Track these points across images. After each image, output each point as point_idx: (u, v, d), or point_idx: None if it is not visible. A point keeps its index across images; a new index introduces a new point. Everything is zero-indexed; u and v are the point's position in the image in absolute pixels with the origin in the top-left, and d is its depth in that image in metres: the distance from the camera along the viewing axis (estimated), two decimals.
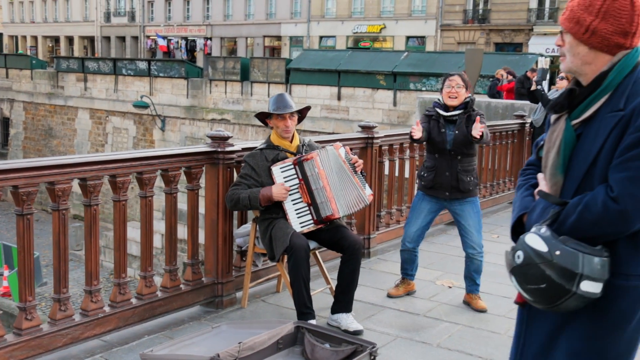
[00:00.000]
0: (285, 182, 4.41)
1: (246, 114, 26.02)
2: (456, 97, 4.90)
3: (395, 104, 23.02)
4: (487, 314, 4.93)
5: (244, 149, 4.80)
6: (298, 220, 4.41)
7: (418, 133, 4.81)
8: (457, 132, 4.88)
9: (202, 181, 4.68)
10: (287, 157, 4.52)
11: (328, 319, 4.57)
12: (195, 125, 28.09)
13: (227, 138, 4.70)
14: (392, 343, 4.33)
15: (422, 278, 5.68)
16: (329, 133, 21.45)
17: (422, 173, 5.08)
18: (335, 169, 4.50)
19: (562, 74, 8.90)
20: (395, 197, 6.86)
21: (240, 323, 4.35)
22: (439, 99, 5.03)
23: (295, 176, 4.43)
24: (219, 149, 4.63)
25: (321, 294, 4.98)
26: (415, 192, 5.26)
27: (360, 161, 4.65)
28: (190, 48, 48.01)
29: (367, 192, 4.62)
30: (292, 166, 4.44)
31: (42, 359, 3.74)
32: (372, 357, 3.79)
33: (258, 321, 4.33)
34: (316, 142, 4.96)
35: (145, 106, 28.36)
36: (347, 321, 4.47)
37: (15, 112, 36.23)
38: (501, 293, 5.35)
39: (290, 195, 4.39)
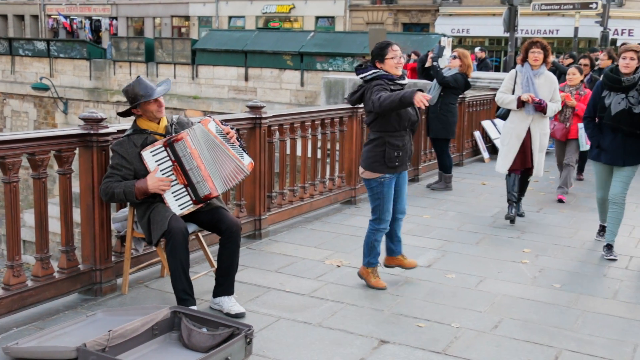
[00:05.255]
0: (158, 164, 4.24)
1: None
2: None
3: (302, 84, 22.97)
4: (373, 290, 4.96)
5: (119, 131, 4.63)
6: (177, 202, 4.27)
7: None
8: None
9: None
10: (156, 140, 4.33)
11: (210, 302, 4.49)
12: (99, 107, 27.19)
13: (101, 120, 4.51)
14: (274, 324, 4.29)
15: (311, 257, 5.68)
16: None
17: None
18: (206, 146, 4.31)
19: (454, 53, 9.04)
20: (287, 177, 6.80)
21: (116, 310, 4.21)
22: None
23: (168, 158, 4.26)
24: (92, 131, 4.45)
25: (205, 277, 4.89)
26: None
27: (233, 132, 4.46)
28: (95, 28, 46.36)
29: (246, 162, 4.45)
30: (163, 148, 4.26)
31: None
32: (248, 340, 3.75)
33: (135, 307, 4.20)
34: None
35: (46, 88, 27.27)
36: (229, 304, 4.40)
37: None
38: (387, 270, 5.39)
39: (164, 175, 4.25)
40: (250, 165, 4.49)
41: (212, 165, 4.32)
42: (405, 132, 4.88)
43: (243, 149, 4.55)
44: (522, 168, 7.14)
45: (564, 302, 4.90)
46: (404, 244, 5.28)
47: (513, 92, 7.02)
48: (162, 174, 4.25)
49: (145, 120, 4.39)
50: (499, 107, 7.83)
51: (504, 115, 7.46)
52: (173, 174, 4.26)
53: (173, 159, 4.25)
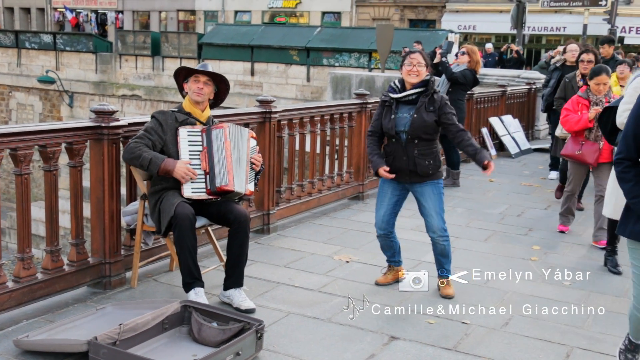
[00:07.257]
0: (189, 146, 4.36)
1: (158, 89, 25.40)
2: (417, 75, 4.68)
3: (308, 79, 22.94)
4: (381, 287, 4.94)
5: (130, 124, 4.63)
6: (190, 185, 4.32)
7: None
8: (415, 115, 4.65)
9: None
10: (196, 125, 4.47)
11: (220, 295, 4.48)
12: (105, 101, 27.17)
13: (113, 112, 4.51)
14: (284, 320, 4.28)
15: (319, 253, 5.67)
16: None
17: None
18: (237, 147, 4.48)
19: (463, 49, 9.01)
20: (295, 172, 6.79)
21: (126, 304, 4.21)
22: (395, 82, 4.81)
23: (200, 143, 4.38)
24: (104, 124, 4.44)
25: (214, 272, 4.88)
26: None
27: (260, 161, 4.64)
28: (101, 22, 46.32)
29: (250, 187, 4.58)
30: (200, 134, 4.40)
31: None
32: (259, 335, 3.74)
33: (145, 301, 4.20)
34: (214, 117, 4.85)
35: (52, 81, 27.25)
36: (240, 299, 4.39)
37: None
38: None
39: (190, 157, 4.35)
40: (249, 192, 4.58)
41: (236, 164, 4.45)
42: (395, 142, 4.74)
43: (256, 181, 4.71)
44: None
45: (575, 299, 4.88)
46: (413, 240, 5.23)
47: None
48: (189, 156, 4.35)
49: (190, 103, 4.52)
50: (614, 131, 4.88)
51: None
52: (199, 158, 4.36)
53: (205, 145, 4.38)
